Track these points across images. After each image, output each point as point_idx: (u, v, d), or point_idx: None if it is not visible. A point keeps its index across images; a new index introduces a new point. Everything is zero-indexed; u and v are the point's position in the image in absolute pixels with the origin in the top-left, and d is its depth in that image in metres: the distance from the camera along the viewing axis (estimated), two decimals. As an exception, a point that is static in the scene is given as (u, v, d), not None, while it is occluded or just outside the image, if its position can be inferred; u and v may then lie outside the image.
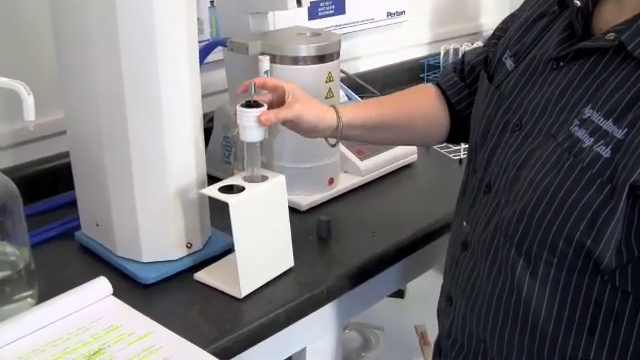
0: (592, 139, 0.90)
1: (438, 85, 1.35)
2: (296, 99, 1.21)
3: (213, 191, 1.17)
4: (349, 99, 1.77)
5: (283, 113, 1.19)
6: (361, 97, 1.86)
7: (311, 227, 1.39)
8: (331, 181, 1.53)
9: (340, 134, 1.25)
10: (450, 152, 1.80)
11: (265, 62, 1.40)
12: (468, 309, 1.10)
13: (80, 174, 1.31)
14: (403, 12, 2.37)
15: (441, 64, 2.05)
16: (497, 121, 1.08)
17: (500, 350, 1.05)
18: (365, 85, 2.05)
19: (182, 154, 1.22)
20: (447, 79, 1.34)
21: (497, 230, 1.02)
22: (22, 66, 1.44)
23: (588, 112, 0.92)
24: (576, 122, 0.93)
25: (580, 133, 0.91)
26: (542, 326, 0.98)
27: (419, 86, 1.42)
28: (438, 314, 1.24)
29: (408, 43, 2.43)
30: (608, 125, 0.88)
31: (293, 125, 1.22)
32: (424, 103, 1.34)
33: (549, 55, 1.03)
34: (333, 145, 1.30)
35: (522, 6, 1.20)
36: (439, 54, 2.22)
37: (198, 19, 1.73)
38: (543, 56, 1.04)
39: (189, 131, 1.22)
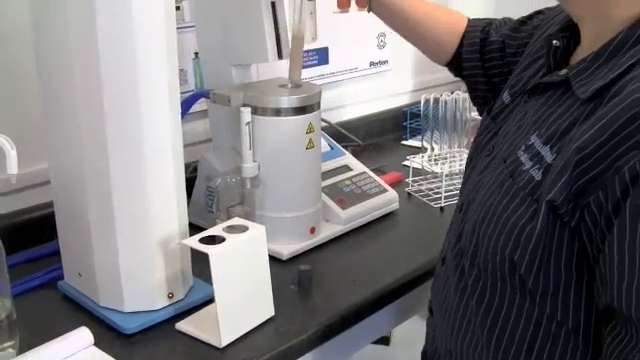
0: (531, 163, 0.96)
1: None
2: None
3: (194, 242, 1.18)
4: (331, 148, 1.79)
5: None
6: (344, 146, 1.88)
7: (292, 276, 1.40)
8: (312, 230, 1.55)
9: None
10: (431, 200, 1.82)
11: (246, 114, 1.43)
12: (442, 320, 1.15)
13: (63, 223, 1.32)
14: (386, 61, 2.41)
15: (422, 112, 2.08)
16: (481, 148, 1.18)
17: None
18: (347, 134, 2.08)
19: (164, 204, 1.23)
20: (471, 35, 1.47)
21: (461, 246, 1.09)
22: (8, 118, 1.46)
23: (533, 139, 0.98)
24: (522, 147, 1.00)
25: (523, 157, 0.98)
26: (489, 339, 1.02)
27: (454, 13, 1.55)
28: (426, 324, 1.29)
29: (391, 92, 2.46)
30: (545, 151, 0.95)
31: None
32: (445, 29, 1.50)
33: (525, 89, 1.12)
34: (368, 11, 1.52)
35: (547, 17, 1.28)
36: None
37: (182, 70, 1.77)
38: (524, 90, 1.13)
39: (171, 181, 1.23)
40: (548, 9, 1.31)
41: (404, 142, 2.37)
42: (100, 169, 1.18)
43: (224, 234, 1.20)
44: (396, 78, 2.48)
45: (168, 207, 1.24)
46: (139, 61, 1.14)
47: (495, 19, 1.47)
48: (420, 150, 2.10)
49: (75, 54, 1.14)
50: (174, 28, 1.21)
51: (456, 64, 1.51)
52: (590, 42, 1.01)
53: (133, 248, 1.22)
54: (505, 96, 1.20)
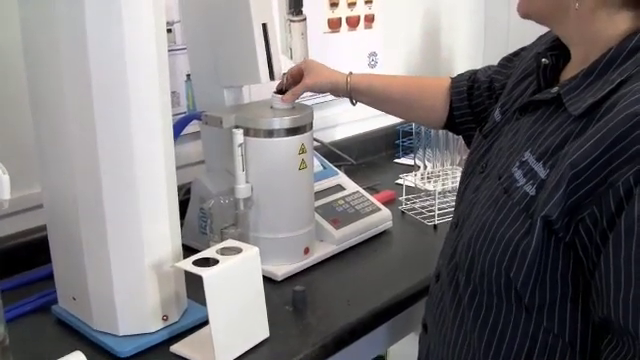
0: (525, 179, 0.97)
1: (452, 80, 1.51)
2: (308, 73, 1.55)
3: (187, 264, 1.18)
4: (324, 168, 1.80)
5: (297, 89, 1.53)
6: (337, 166, 1.89)
7: (287, 297, 1.40)
8: (307, 250, 1.55)
9: (350, 95, 1.56)
10: (425, 218, 1.82)
11: (239, 135, 1.43)
12: (437, 337, 1.15)
13: (57, 247, 1.32)
14: (377, 80, 2.41)
15: (414, 131, 2.09)
16: (473, 165, 1.19)
17: None
18: (340, 153, 2.09)
19: (157, 227, 1.23)
20: (457, 85, 1.48)
21: (456, 261, 1.09)
22: (1, 142, 1.47)
23: (526, 155, 1.00)
24: (516, 164, 1.01)
25: (517, 174, 0.99)
26: (487, 354, 1.02)
27: (435, 78, 1.59)
28: (419, 342, 1.29)
29: (383, 111, 2.46)
30: (538, 167, 0.96)
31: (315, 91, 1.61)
32: (431, 93, 1.53)
33: (517, 107, 1.13)
34: (353, 104, 1.59)
35: (533, 44, 1.29)
36: (413, 121, 2.27)
37: (174, 92, 1.77)
38: (515, 108, 1.14)
39: (164, 204, 1.24)
40: (531, 45, 1.33)
41: (397, 160, 2.38)
42: (92, 192, 1.18)
43: (218, 256, 1.20)
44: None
45: (161, 230, 1.24)
46: (130, 85, 1.14)
47: (479, 68, 1.49)
48: (413, 168, 2.11)
49: (66, 77, 1.15)
50: (165, 51, 1.21)
51: (452, 121, 1.52)
52: (580, 60, 1.02)
53: (127, 271, 1.22)
54: (496, 114, 1.21)
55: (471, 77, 1.48)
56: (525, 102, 1.10)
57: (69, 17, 1.11)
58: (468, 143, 1.50)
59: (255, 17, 1.47)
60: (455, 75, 1.53)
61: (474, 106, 1.46)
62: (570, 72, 1.04)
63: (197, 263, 1.19)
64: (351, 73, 1.57)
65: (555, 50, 1.10)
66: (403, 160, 2.36)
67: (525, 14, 1.09)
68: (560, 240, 0.91)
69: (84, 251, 1.22)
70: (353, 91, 1.55)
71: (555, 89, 1.01)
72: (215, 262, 1.19)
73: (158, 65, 1.18)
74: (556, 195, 0.89)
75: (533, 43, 1.29)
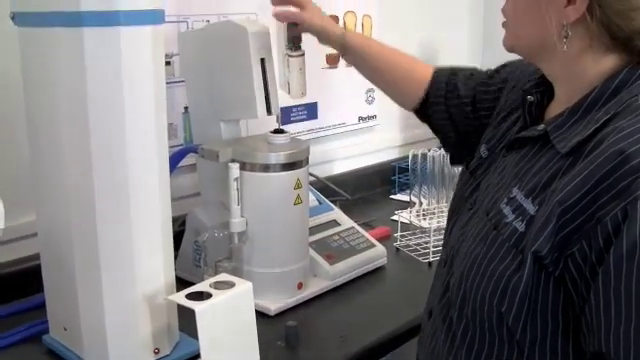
0: (514, 215, 0.98)
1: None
2: (306, 9, 1.54)
3: (180, 298, 1.18)
4: (320, 203, 1.80)
5: (292, 15, 1.53)
6: (333, 201, 1.89)
7: (279, 332, 1.39)
8: (300, 285, 1.54)
9: (340, 46, 1.53)
10: (419, 255, 1.82)
11: (235, 169, 1.44)
12: None
13: (50, 276, 1.31)
14: (374, 116, 2.43)
15: (410, 167, 2.09)
16: (462, 202, 1.20)
17: None
18: (336, 189, 2.09)
19: (150, 260, 1.23)
20: (438, 81, 1.47)
21: (448, 298, 1.09)
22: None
23: (515, 192, 1.00)
24: (505, 200, 1.01)
25: (506, 210, 1.00)
26: None
27: (424, 66, 1.54)
28: None
29: (379, 146, 2.48)
30: (527, 203, 0.96)
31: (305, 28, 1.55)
32: (415, 79, 1.50)
33: (504, 144, 1.14)
34: (341, 56, 1.59)
35: (519, 62, 1.29)
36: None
37: (171, 124, 1.78)
38: (502, 145, 1.15)
39: (158, 237, 1.24)
40: (512, 62, 1.34)
41: (392, 196, 2.38)
42: (86, 223, 1.18)
43: (211, 290, 1.19)
44: (384, 133, 2.50)
45: (155, 262, 1.24)
46: (127, 116, 1.15)
47: (460, 69, 1.47)
48: (408, 204, 2.11)
49: (63, 108, 1.15)
50: (163, 83, 1.22)
51: (422, 112, 1.51)
52: (565, 98, 1.03)
53: (119, 303, 1.21)
54: (482, 150, 1.22)
55: (450, 81, 1.45)
56: (512, 139, 1.11)
57: (67, 47, 1.12)
58: (444, 143, 1.50)
59: (253, 52, 1.49)
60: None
61: (453, 114, 1.44)
62: (555, 109, 1.06)
63: (190, 296, 1.18)
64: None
65: (540, 87, 1.12)
66: (399, 196, 2.37)
67: (510, 49, 1.10)
68: (550, 275, 0.91)
69: (76, 281, 1.22)
70: (345, 44, 1.53)
71: (542, 127, 1.02)
72: (208, 296, 1.18)
73: (155, 96, 1.18)
74: (546, 231, 0.90)
75: (519, 61, 1.28)
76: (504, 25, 1.10)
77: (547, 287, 0.92)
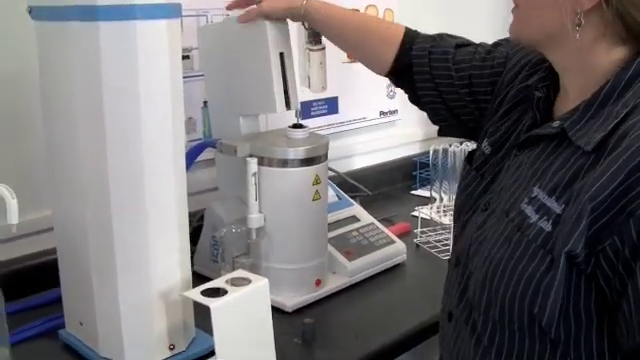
0: (537, 215, 0.96)
1: (407, 36, 1.43)
2: None
3: (196, 294, 1.17)
4: (339, 199, 1.79)
5: (252, 13, 1.49)
6: (353, 196, 1.87)
7: (296, 329, 1.38)
8: (318, 282, 1.53)
9: (303, 20, 1.51)
10: (439, 252, 1.80)
11: (253, 164, 1.42)
12: None
13: (66, 271, 1.31)
14: (395, 111, 2.41)
15: (430, 163, 2.07)
16: (472, 202, 1.17)
17: None
18: (355, 184, 2.07)
19: (167, 255, 1.22)
20: (419, 49, 1.40)
21: (469, 301, 1.07)
22: (10, 165, 1.47)
23: (536, 191, 0.98)
24: (525, 200, 0.99)
25: (528, 210, 0.98)
26: None
27: (391, 26, 1.53)
28: None
29: (400, 141, 2.46)
30: (551, 202, 0.95)
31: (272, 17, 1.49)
32: (384, 42, 1.45)
33: (514, 142, 1.12)
34: (306, 28, 1.62)
35: (513, 64, 1.25)
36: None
37: (190, 118, 1.77)
38: (513, 143, 1.13)
39: (174, 232, 1.23)
40: (506, 40, 1.30)
41: (413, 192, 2.36)
42: (102, 218, 1.18)
43: (227, 286, 1.18)
44: (406, 127, 2.47)
45: (171, 258, 1.23)
46: (143, 110, 1.14)
47: (440, 37, 1.41)
48: (429, 200, 2.09)
49: (79, 102, 1.15)
50: (180, 77, 1.21)
51: (396, 75, 1.46)
52: (577, 91, 1.01)
53: (134, 299, 1.21)
54: (485, 146, 1.20)
55: (431, 53, 1.39)
56: (524, 138, 1.08)
57: (83, 41, 1.12)
58: (430, 113, 1.47)
59: (272, 46, 1.47)
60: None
61: (440, 84, 1.38)
62: (564, 103, 1.04)
63: (206, 293, 1.18)
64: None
65: (545, 81, 1.10)
66: (420, 192, 2.34)
67: (517, 39, 1.08)
68: (582, 272, 0.90)
69: (92, 276, 1.22)
70: (308, 16, 1.49)
71: (557, 123, 1.00)
72: (224, 292, 1.17)
73: (172, 91, 1.18)
74: (578, 230, 0.88)
75: (510, 53, 1.26)
76: (513, 11, 1.07)
77: (579, 285, 0.91)
